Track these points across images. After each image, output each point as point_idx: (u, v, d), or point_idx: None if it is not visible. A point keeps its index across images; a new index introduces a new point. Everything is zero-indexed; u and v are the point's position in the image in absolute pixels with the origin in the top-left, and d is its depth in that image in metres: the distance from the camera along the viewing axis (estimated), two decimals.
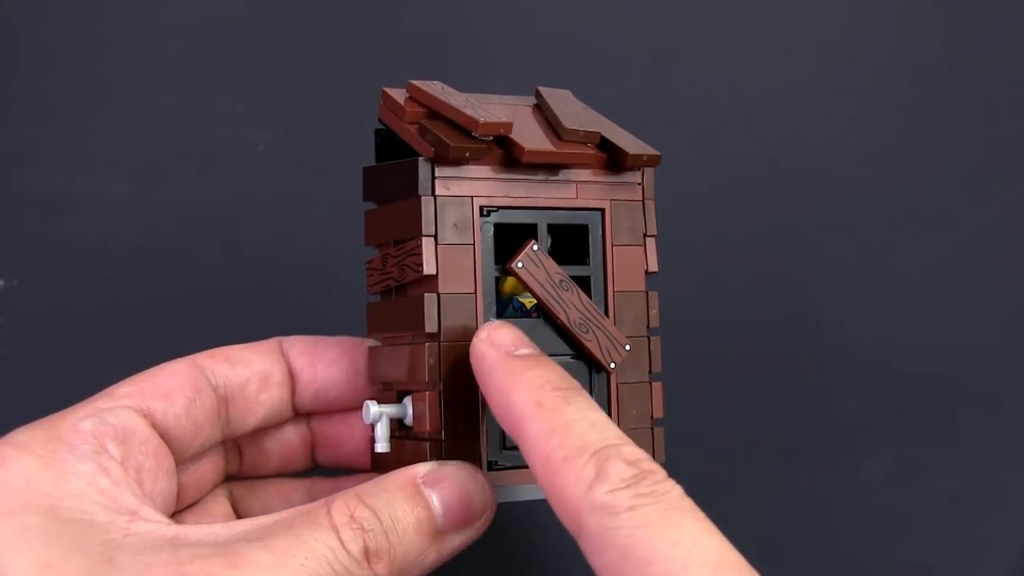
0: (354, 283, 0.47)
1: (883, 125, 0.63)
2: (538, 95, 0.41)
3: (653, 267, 0.39)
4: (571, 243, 0.39)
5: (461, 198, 0.36)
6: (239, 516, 0.40)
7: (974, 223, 0.60)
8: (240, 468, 0.42)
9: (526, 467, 0.36)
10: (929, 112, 0.64)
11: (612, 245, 0.38)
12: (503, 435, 0.36)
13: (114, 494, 0.32)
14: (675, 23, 0.65)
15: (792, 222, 0.60)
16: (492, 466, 0.36)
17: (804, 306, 0.57)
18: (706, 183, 0.60)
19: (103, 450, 0.33)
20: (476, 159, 0.36)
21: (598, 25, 0.65)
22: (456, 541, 0.34)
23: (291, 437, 0.42)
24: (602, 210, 0.38)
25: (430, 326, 0.36)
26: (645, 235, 0.39)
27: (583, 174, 0.38)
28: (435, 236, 0.36)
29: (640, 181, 0.39)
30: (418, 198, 0.36)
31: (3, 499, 0.31)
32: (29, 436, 0.33)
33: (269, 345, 0.41)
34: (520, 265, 0.36)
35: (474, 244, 0.36)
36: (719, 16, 0.65)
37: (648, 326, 0.38)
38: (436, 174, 0.36)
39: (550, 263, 0.37)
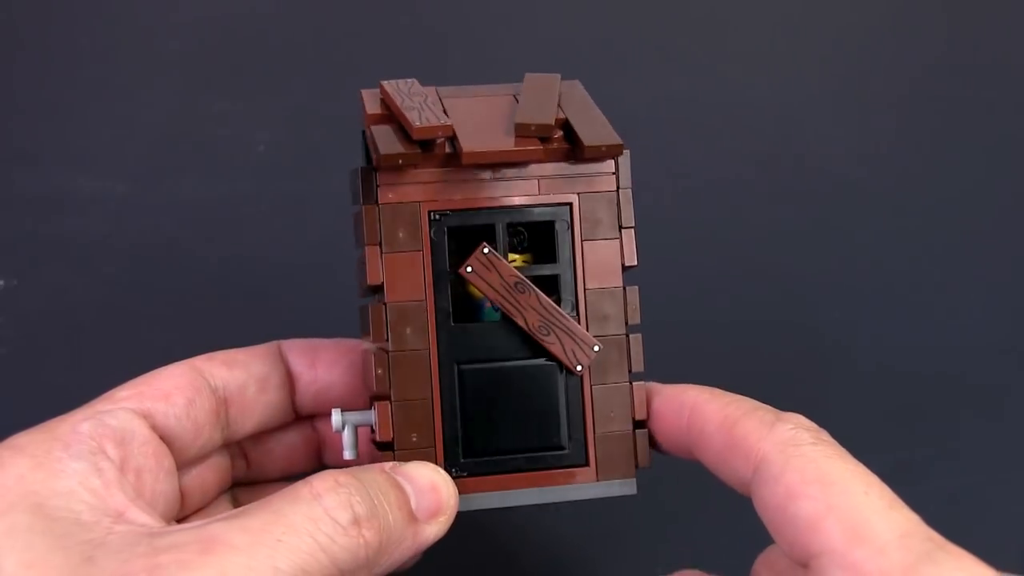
0: (352, 283, 0.47)
1: (884, 125, 0.63)
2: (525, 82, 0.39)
3: (631, 261, 0.36)
4: (549, 238, 0.37)
5: (408, 204, 0.35)
6: None
7: (975, 223, 0.60)
8: (247, 472, 0.42)
9: (486, 474, 0.36)
10: (930, 111, 0.64)
11: (582, 240, 0.36)
12: (464, 443, 0.36)
13: (103, 494, 0.32)
14: (675, 23, 0.65)
15: (792, 222, 0.60)
16: (452, 475, 0.36)
17: (804, 306, 0.57)
18: (706, 183, 0.60)
19: (100, 451, 0.33)
20: (413, 166, 0.35)
21: (598, 24, 0.65)
22: (428, 532, 0.34)
23: (296, 440, 0.42)
24: (569, 204, 0.36)
25: (377, 336, 0.35)
26: (621, 227, 0.36)
27: (546, 167, 0.36)
28: (380, 245, 0.35)
29: (614, 170, 0.36)
30: (362, 207, 0.35)
31: None
32: (27, 439, 0.34)
33: (267, 348, 0.41)
34: (469, 270, 0.35)
35: (423, 251, 0.35)
36: (719, 16, 0.65)
37: (627, 323, 0.36)
38: (380, 181, 0.35)
39: (503, 265, 0.35)
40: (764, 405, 0.34)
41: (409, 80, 0.38)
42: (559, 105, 0.37)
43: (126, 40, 0.60)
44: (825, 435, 0.33)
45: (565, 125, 0.36)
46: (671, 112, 0.62)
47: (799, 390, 0.53)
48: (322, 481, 0.32)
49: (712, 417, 0.34)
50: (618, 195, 0.36)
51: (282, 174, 0.59)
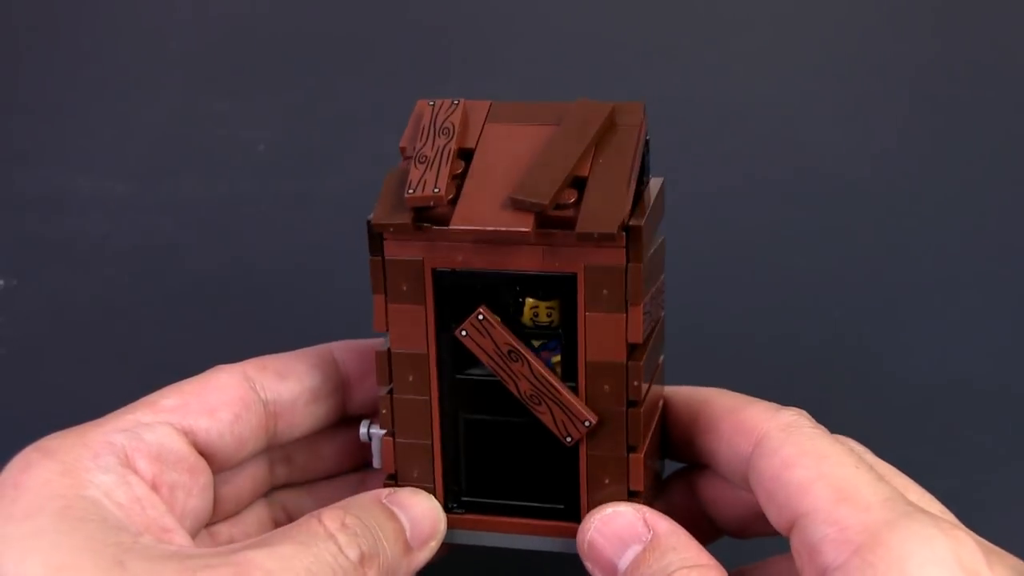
0: (352, 283, 0.47)
1: (888, 124, 0.63)
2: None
3: (635, 339, 0.34)
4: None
5: (411, 261, 0.35)
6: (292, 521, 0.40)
7: (979, 224, 0.60)
8: (289, 474, 0.41)
9: (484, 514, 0.37)
10: (936, 111, 0.64)
11: (584, 311, 0.34)
12: (464, 484, 0.37)
13: (128, 509, 0.32)
14: (676, 23, 0.65)
15: (793, 223, 0.60)
16: (450, 510, 0.37)
17: (804, 305, 0.57)
18: (706, 184, 0.60)
19: (129, 466, 0.34)
20: (402, 236, 0.34)
21: (599, 24, 0.65)
22: (420, 558, 0.35)
23: (345, 439, 0.42)
24: (574, 275, 0.34)
25: (381, 380, 0.36)
26: (627, 303, 0.34)
27: (551, 235, 0.34)
28: (385, 295, 0.35)
29: (624, 244, 0.33)
30: (370, 257, 0.35)
31: (19, 502, 0.31)
32: (58, 442, 0.33)
33: (320, 355, 0.40)
34: (464, 333, 0.34)
35: (426, 305, 0.35)
36: (720, 15, 0.65)
37: (628, 399, 0.35)
38: (385, 235, 0.35)
39: (497, 332, 0.34)
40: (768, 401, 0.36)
41: (455, 102, 0.36)
42: (593, 152, 0.35)
43: (126, 40, 0.60)
44: (822, 427, 0.35)
45: (584, 183, 0.34)
46: (671, 112, 0.62)
47: (799, 390, 0.53)
48: (331, 520, 0.33)
49: (721, 405, 0.36)
50: (627, 270, 0.34)
51: (282, 174, 0.59)
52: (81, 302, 0.55)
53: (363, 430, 0.38)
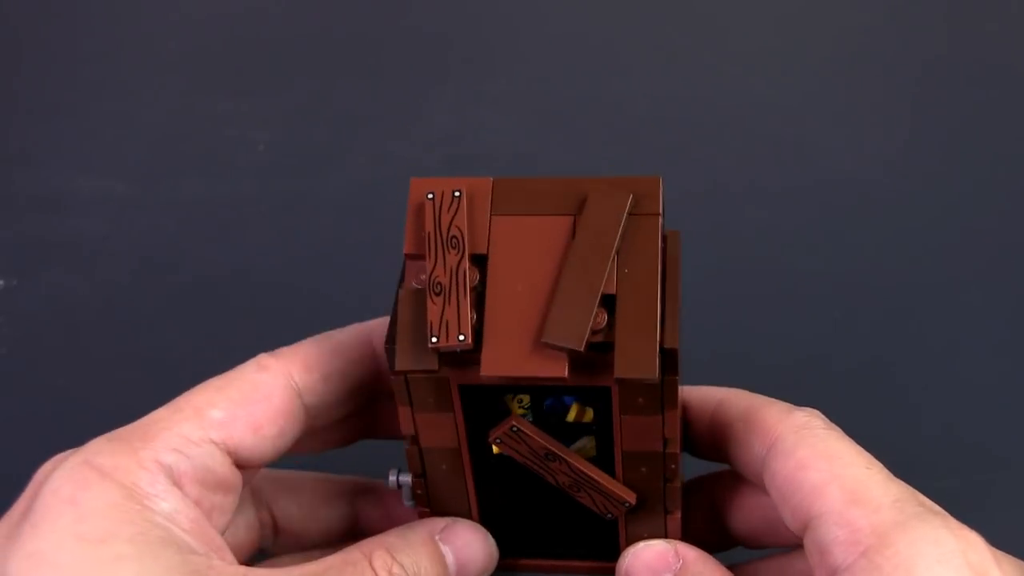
0: (353, 283, 0.47)
1: (898, 126, 0.63)
2: (580, 212, 0.33)
3: (672, 435, 0.34)
4: None
5: (438, 378, 0.33)
6: (275, 518, 0.40)
7: (980, 224, 0.60)
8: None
9: (527, 558, 0.39)
10: (946, 112, 0.64)
11: (620, 415, 0.34)
12: (507, 539, 0.38)
13: (193, 534, 0.32)
14: (677, 23, 0.65)
15: (793, 224, 0.60)
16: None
17: (804, 308, 0.57)
18: (707, 185, 0.60)
19: (180, 487, 0.33)
20: (428, 371, 0.33)
21: (600, 24, 0.65)
22: None
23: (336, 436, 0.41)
24: (607, 388, 0.33)
25: (413, 469, 0.36)
26: (664, 409, 0.33)
27: (587, 358, 0.32)
28: (411, 406, 0.34)
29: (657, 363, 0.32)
30: (391, 375, 0.34)
31: (91, 524, 0.31)
32: (110, 461, 0.32)
33: (361, 354, 0.38)
34: (499, 441, 0.34)
35: (455, 412, 0.34)
36: (722, 16, 0.65)
37: (665, 478, 0.35)
38: None
39: (533, 440, 0.34)
40: (782, 401, 0.37)
41: (456, 194, 0.34)
42: (616, 259, 0.33)
43: (126, 40, 0.60)
44: (836, 427, 0.35)
45: (613, 300, 0.33)
46: (671, 112, 0.62)
47: (799, 391, 0.53)
48: (381, 568, 0.34)
49: (736, 405, 0.37)
50: (662, 383, 0.33)
51: (282, 174, 0.59)
52: (81, 302, 0.55)
53: (392, 478, 0.37)
